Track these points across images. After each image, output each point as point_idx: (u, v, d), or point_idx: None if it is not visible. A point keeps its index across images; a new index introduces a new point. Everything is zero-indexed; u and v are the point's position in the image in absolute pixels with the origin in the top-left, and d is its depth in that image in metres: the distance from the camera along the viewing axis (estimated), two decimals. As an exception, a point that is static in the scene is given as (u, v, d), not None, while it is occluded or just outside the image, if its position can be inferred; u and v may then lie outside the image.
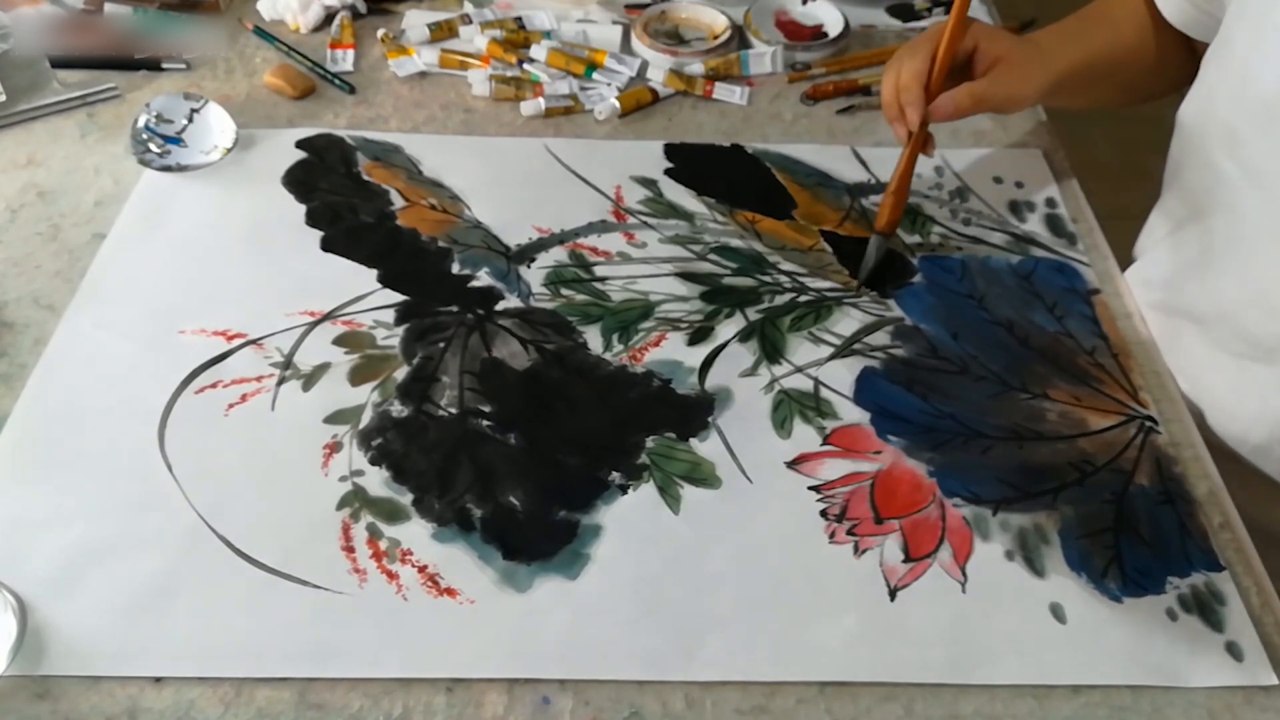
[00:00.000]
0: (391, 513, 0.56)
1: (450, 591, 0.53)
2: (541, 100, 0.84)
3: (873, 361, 0.66)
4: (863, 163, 0.81)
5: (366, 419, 0.61)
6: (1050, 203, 0.78)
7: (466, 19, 0.93)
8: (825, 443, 0.61)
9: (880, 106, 0.73)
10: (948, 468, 0.60)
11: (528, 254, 0.72)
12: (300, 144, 0.80)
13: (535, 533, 0.56)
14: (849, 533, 0.56)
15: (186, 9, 0.93)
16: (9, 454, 0.58)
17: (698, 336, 0.67)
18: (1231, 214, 0.64)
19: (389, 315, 0.67)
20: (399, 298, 0.68)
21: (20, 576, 0.52)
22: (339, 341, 0.65)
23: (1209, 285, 0.67)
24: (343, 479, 0.58)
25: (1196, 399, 0.65)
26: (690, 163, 0.80)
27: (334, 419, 0.61)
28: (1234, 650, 0.52)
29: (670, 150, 0.81)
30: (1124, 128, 0.76)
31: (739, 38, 0.93)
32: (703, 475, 0.59)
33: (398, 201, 0.75)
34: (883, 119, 0.79)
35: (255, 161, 0.78)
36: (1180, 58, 0.73)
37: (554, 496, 0.57)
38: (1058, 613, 0.54)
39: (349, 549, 0.54)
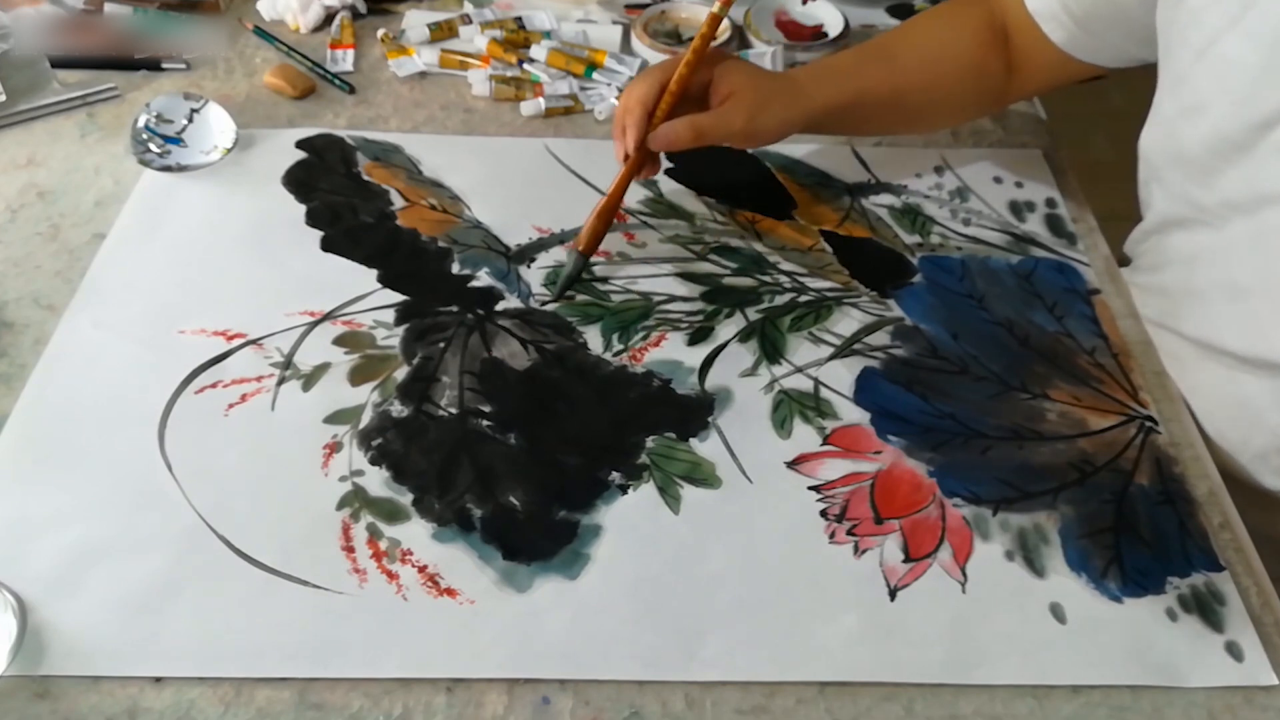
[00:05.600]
0: (391, 513, 0.56)
1: (450, 591, 0.53)
2: (541, 100, 0.84)
3: (873, 361, 0.66)
4: (863, 163, 0.81)
5: (366, 419, 0.60)
6: (1050, 203, 0.78)
7: (466, 19, 0.93)
8: (825, 443, 0.61)
9: None
10: (948, 468, 0.60)
11: (528, 254, 0.72)
12: (300, 144, 0.80)
13: (535, 533, 0.56)
14: (849, 533, 0.56)
15: (186, 9, 0.93)
16: (9, 454, 0.58)
17: (698, 336, 0.67)
18: (1211, 238, 0.64)
19: (389, 315, 0.67)
20: (399, 298, 0.68)
21: (20, 576, 0.52)
22: (339, 341, 0.65)
23: (1195, 303, 0.67)
24: (343, 479, 0.58)
25: (1194, 407, 0.65)
26: (690, 163, 0.79)
27: (334, 419, 0.60)
28: (1234, 650, 0.52)
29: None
30: (1124, 128, 0.76)
31: (739, 38, 0.93)
32: (703, 475, 0.59)
33: (398, 201, 0.75)
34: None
35: (255, 161, 0.78)
36: (983, 86, 0.75)
37: (554, 496, 0.57)
38: (1058, 613, 0.54)
39: (349, 549, 0.54)
